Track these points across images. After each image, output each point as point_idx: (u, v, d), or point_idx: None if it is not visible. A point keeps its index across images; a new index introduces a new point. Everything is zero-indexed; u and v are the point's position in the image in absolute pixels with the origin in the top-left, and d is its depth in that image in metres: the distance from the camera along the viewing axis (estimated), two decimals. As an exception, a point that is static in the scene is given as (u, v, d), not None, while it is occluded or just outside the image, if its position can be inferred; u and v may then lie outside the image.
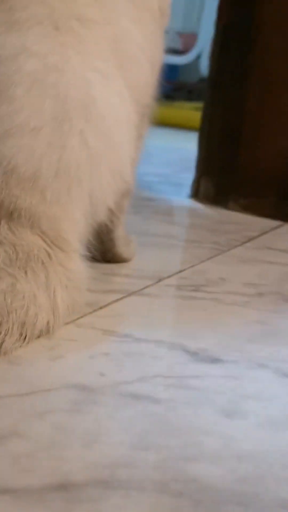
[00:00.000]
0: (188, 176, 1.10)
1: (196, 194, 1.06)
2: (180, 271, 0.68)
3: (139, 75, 0.59)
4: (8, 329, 0.43)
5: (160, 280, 0.64)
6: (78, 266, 0.51)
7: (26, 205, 0.48)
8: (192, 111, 2.17)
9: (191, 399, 0.42)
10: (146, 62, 0.60)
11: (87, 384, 0.42)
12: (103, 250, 0.66)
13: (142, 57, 0.59)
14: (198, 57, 2.46)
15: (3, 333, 0.43)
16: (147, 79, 0.60)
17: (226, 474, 0.34)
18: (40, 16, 0.50)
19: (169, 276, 0.65)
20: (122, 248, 0.67)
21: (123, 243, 0.67)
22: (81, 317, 0.52)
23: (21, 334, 0.44)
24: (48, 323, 0.47)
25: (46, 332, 0.47)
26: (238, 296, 0.62)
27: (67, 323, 0.50)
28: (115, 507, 0.30)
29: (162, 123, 1.80)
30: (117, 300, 0.57)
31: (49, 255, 0.48)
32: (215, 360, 0.48)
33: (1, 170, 0.46)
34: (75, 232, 0.52)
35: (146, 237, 0.79)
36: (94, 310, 0.54)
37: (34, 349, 0.46)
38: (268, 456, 0.36)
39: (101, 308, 0.55)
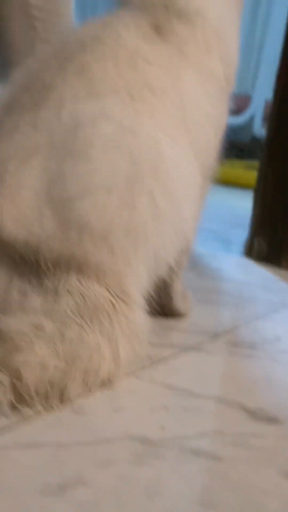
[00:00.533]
0: (238, 232, 1.12)
1: (249, 251, 1.08)
2: (235, 327, 0.69)
3: (204, 139, 0.61)
4: (72, 375, 0.45)
5: (216, 335, 0.65)
6: (140, 318, 0.52)
7: (95, 259, 0.50)
8: (243, 170, 2.21)
9: (251, 457, 0.42)
10: (210, 127, 0.62)
11: (148, 436, 0.43)
12: (162, 304, 0.67)
13: (207, 123, 0.62)
14: (251, 118, 2.51)
15: (67, 378, 0.45)
16: (211, 143, 0.63)
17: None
18: (116, 86, 0.53)
19: (225, 332, 0.66)
20: (179, 302, 0.69)
21: (180, 298, 0.69)
22: (141, 369, 0.53)
23: (84, 381, 0.46)
24: (109, 372, 0.48)
25: (108, 381, 0.48)
26: (295, 356, 0.62)
27: (127, 374, 0.51)
28: None
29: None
30: (174, 354, 0.59)
31: (114, 306, 0.50)
32: (273, 420, 0.48)
33: (76, 225, 0.49)
34: (138, 286, 0.54)
35: (201, 293, 0.80)
36: (153, 363, 0.55)
37: (97, 400, 0.47)
38: None
39: (159, 361, 0.56)
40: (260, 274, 0.97)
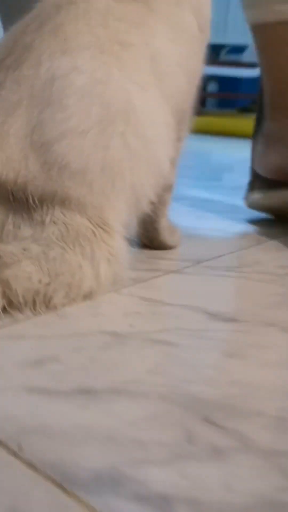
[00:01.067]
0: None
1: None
2: (219, 256, 0.77)
3: (175, 86, 0.69)
4: (56, 288, 0.54)
5: (198, 262, 0.73)
6: (119, 243, 0.61)
7: (76, 194, 0.59)
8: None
9: (203, 345, 0.51)
10: (182, 76, 0.69)
11: (117, 331, 0.52)
12: (150, 238, 0.76)
13: (178, 72, 0.69)
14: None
15: (51, 290, 0.54)
16: (183, 89, 0.70)
17: (216, 393, 0.43)
18: (88, 43, 0.61)
19: (207, 260, 0.74)
20: (166, 236, 0.77)
21: (167, 232, 0.77)
22: (123, 287, 0.62)
23: (67, 294, 0.55)
24: (91, 288, 0.58)
25: (90, 296, 0.58)
26: (267, 275, 0.70)
27: (110, 292, 0.60)
28: (124, 407, 0.40)
29: (242, 134, 1.88)
30: (157, 276, 0.67)
31: (94, 233, 0.59)
32: (230, 319, 0.56)
33: (56, 165, 0.58)
34: (118, 218, 0.62)
35: (196, 231, 0.88)
36: (135, 283, 0.64)
37: (79, 308, 0.56)
38: (254, 383, 0.44)
39: (142, 282, 0.65)
40: (257, 214, 1.04)
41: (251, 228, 0.95)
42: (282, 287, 0.67)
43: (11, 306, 0.53)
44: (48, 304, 0.55)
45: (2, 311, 0.52)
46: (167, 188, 0.73)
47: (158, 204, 0.72)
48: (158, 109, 0.65)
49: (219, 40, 3.28)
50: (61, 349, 0.48)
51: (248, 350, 0.50)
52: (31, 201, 0.58)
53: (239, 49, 3.37)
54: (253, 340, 0.52)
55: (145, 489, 0.32)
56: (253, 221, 0.99)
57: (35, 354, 0.47)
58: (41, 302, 0.54)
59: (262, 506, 0.31)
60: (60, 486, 0.32)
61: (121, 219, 0.63)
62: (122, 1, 0.67)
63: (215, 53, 3.25)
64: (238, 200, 1.07)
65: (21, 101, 0.59)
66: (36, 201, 0.58)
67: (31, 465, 0.33)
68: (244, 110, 3.16)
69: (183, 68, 0.70)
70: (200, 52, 0.75)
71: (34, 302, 0.54)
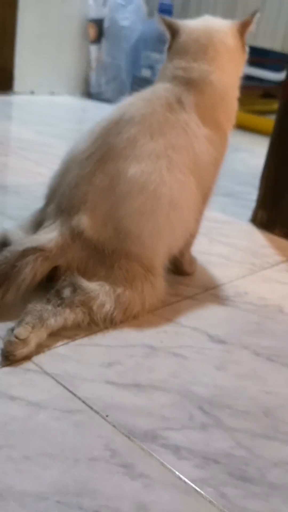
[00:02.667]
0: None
1: (254, 219, 1.48)
2: (221, 284, 1.11)
3: (207, 174, 1.01)
4: (118, 311, 0.90)
5: (206, 290, 1.08)
6: (160, 284, 0.96)
7: (135, 250, 0.93)
8: None
9: (202, 359, 0.86)
10: (212, 165, 1.02)
11: (153, 345, 0.87)
12: (175, 267, 1.10)
13: (209, 161, 1.01)
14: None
15: (115, 312, 0.89)
16: (212, 175, 1.03)
17: (207, 392, 0.78)
18: (150, 151, 0.94)
19: (213, 288, 1.09)
20: (187, 266, 1.12)
21: (188, 263, 1.12)
22: (156, 310, 0.97)
23: (124, 315, 0.91)
24: (138, 312, 0.93)
25: (136, 317, 0.93)
26: (250, 306, 1.04)
27: (148, 313, 0.95)
28: (157, 396, 0.76)
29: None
30: (178, 301, 1.02)
31: (145, 276, 0.94)
32: (221, 341, 0.91)
33: (123, 232, 0.92)
34: (160, 264, 0.97)
35: (206, 256, 1.22)
36: (164, 306, 0.99)
37: (128, 325, 0.91)
38: (229, 387, 0.80)
39: (167, 305, 1.00)
40: (256, 241, 1.37)
41: (249, 255, 1.29)
42: (257, 316, 1.01)
43: (92, 322, 0.88)
44: (112, 321, 0.90)
45: (87, 325, 0.87)
46: (192, 236, 1.07)
47: (184, 246, 1.06)
48: (192, 194, 0.98)
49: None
50: (121, 356, 0.83)
51: (228, 365, 0.86)
52: (106, 252, 0.92)
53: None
54: (232, 358, 0.88)
55: (167, 442, 0.68)
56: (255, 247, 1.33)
57: (107, 358, 0.82)
58: (108, 320, 0.89)
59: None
60: (128, 437, 0.68)
61: (162, 264, 0.97)
62: (175, 113, 0.99)
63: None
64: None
65: (105, 187, 0.93)
66: (110, 252, 0.92)
67: (113, 426, 0.69)
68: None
69: (214, 159, 1.02)
70: (226, 143, 1.06)
71: (104, 320, 0.89)
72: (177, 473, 0.64)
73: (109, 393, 0.75)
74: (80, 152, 0.98)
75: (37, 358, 0.79)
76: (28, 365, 0.78)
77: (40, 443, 0.65)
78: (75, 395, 0.73)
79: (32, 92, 2.83)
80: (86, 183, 0.94)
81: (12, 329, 0.79)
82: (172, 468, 0.64)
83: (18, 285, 0.87)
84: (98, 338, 0.87)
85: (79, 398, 0.73)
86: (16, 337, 0.78)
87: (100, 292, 0.89)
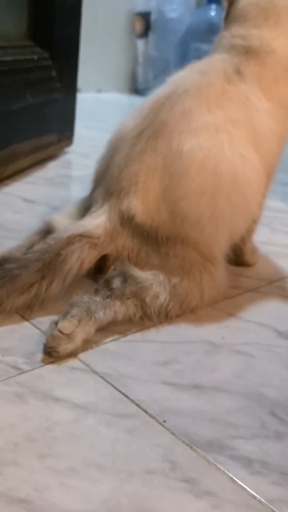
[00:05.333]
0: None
1: None
2: (285, 277, 1.00)
3: (270, 150, 0.90)
4: (174, 304, 0.80)
5: (271, 282, 0.96)
6: (221, 276, 0.85)
7: (192, 236, 0.83)
8: None
9: (271, 357, 0.75)
10: (275, 141, 0.91)
11: (214, 341, 0.77)
12: (236, 257, 0.99)
13: (273, 138, 0.90)
14: None
15: (170, 305, 0.80)
16: (275, 152, 0.92)
17: (280, 395, 0.67)
18: (208, 124, 0.83)
19: (278, 280, 0.98)
20: (248, 256, 1.01)
21: (249, 253, 1.00)
22: (216, 303, 0.86)
23: (180, 308, 0.81)
24: (196, 305, 0.83)
25: (194, 310, 0.83)
26: None
27: (207, 307, 0.85)
28: (221, 400, 0.65)
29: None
30: (239, 294, 0.91)
31: (203, 265, 0.84)
32: (292, 338, 0.80)
33: (180, 216, 0.82)
34: (220, 252, 0.86)
35: (269, 246, 1.11)
36: (224, 299, 0.88)
37: (187, 320, 0.81)
38: (305, 391, 0.69)
39: (228, 298, 0.89)
40: None
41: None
42: None
43: (145, 316, 0.78)
44: (167, 315, 0.80)
45: (139, 319, 0.78)
46: (255, 222, 0.96)
47: (246, 233, 0.95)
48: (255, 172, 0.87)
49: None
50: (178, 353, 0.74)
51: (302, 364, 0.75)
52: (159, 238, 0.83)
53: None
54: (306, 356, 0.77)
55: (237, 453, 0.58)
56: None
57: (162, 356, 0.73)
58: (163, 313, 0.80)
59: (302, 470, 0.56)
60: (190, 447, 0.58)
61: (222, 252, 0.87)
62: (234, 84, 0.88)
63: None
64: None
65: (158, 167, 0.83)
66: (164, 239, 0.83)
67: (172, 433, 0.59)
68: None
69: (276, 135, 0.91)
70: None
71: (159, 313, 0.79)
72: (250, 490, 0.53)
73: (166, 395, 0.65)
74: (129, 130, 0.88)
75: (84, 355, 0.70)
76: (74, 362, 0.69)
77: (88, 453, 0.55)
78: (127, 397, 0.64)
79: (78, 90, 2.78)
80: (137, 162, 0.84)
81: (56, 323, 0.71)
82: (244, 485, 0.54)
83: (64, 276, 0.78)
84: (152, 334, 0.77)
85: (132, 401, 0.63)
86: (60, 332, 0.69)
87: (154, 282, 0.80)
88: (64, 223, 0.90)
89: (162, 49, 2.90)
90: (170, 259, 0.83)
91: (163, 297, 0.79)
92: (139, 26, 2.95)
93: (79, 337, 0.71)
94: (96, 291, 0.77)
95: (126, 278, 0.79)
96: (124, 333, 0.76)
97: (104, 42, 2.84)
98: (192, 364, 0.72)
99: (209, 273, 0.84)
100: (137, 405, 0.63)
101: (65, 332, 0.70)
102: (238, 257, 1.00)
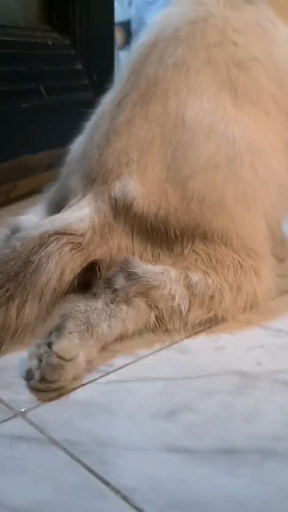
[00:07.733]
0: None
1: None
2: None
3: None
4: (191, 306, 0.54)
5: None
6: (267, 274, 0.59)
7: (219, 226, 0.57)
8: None
9: None
10: None
11: (246, 371, 0.49)
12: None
13: None
14: None
15: (187, 308, 0.54)
16: None
17: None
18: (209, 78, 0.59)
19: None
20: (278, 248, 0.73)
21: (280, 244, 0.73)
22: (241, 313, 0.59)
23: (201, 312, 0.55)
24: (227, 311, 0.56)
25: (224, 318, 0.56)
26: None
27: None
28: (276, 472, 0.37)
29: None
30: (271, 298, 0.63)
31: (239, 263, 0.58)
32: None
33: (194, 199, 0.57)
34: (262, 243, 0.60)
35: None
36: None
37: (200, 341, 0.54)
38: None
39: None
40: None
41: None
42: None
43: (159, 323, 0.54)
44: (185, 320, 0.54)
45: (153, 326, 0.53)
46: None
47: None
48: (274, 137, 0.61)
49: None
50: (191, 395, 0.46)
51: None
52: (171, 233, 0.57)
53: None
54: None
55: None
56: None
57: (166, 402, 0.45)
58: (178, 318, 0.54)
59: None
60: None
61: (265, 243, 0.60)
62: (239, 9, 0.63)
63: None
64: None
65: (154, 139, 0.59)
66: (178, 234, 0.57)
67: None
68: None
69: None
70: None
71: (174, 318, 0.54)
72: None
73: (176, 473, 0.37)
74: (109, 103, 0.64)
75: (35, 413, 0.43)
76: (19, 426, 0.41)
77: None
78: (108, 484, 0.36)
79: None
80: (124, 137, 0.60)
81: (49, 344, 0.46)
82: None
83: (39, 292, 0.53)
84: (150, 366, 0.50)
85: (117, 492, 0.35)
86: (60, 357, 0.45)
87: (165, 278, 0.55)
88: (34, 221, 0.65)
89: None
90: (188, 257, 0.58)
91: (178, 297, 0.54)
92: (120, 36, 2.74)
93: (82, 357, 0.47)
94: (96, 295, 0.53)
95: (130, 274, 0.54)
96: (105, 369, 0.49)
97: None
98: (214, 411, 0.44)
99: (250, 272, 0.58)
100: (125, 499, 0.35)
101: (67, 357, 0.45)
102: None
